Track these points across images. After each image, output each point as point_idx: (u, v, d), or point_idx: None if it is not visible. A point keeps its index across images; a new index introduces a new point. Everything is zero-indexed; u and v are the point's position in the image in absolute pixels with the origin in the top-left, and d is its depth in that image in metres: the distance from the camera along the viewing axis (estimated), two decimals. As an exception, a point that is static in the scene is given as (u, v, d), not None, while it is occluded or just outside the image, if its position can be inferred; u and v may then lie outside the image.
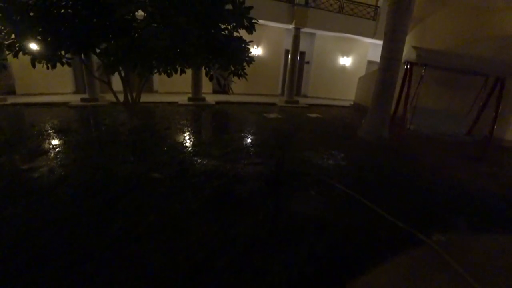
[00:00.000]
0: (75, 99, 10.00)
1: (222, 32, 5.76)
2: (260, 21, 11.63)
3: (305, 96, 14.28)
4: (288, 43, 11.52)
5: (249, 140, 6.02)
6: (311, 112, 10.02)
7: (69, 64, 5.47)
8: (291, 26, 10.78)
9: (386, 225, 2.98)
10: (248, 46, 6.24)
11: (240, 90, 13.25)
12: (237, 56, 5.97)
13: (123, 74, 6.29)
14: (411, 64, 6.46)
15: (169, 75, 6.00)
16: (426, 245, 2.67)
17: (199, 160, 4.60)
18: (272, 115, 8.99)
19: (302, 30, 11.10)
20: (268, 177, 4.07)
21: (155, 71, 5.59)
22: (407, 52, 6.57)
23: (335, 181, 4.00)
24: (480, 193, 4.08)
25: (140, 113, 8.73)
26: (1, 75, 10.17)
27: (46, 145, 5.01)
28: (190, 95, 10.89)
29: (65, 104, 9.40)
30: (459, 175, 4.78)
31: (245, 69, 6.51)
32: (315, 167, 4.55)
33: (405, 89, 6.83)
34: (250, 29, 5.78)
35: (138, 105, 7.47)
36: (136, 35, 4.37)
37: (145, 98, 11.13)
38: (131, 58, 4.17)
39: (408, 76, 6.58)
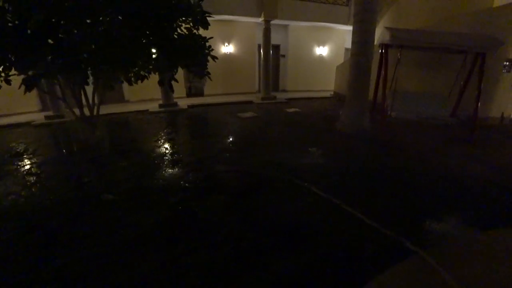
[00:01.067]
0: (40, 117, 9.19)
1: (179, 31, 5.17)
2: (229, 17, 11.14)
3: (284, 90, 13.76)
4: (261, 38, 10.94)
5: (218, 146, 5.45)
6: (289, 107, 9.50)
7: (7, 82, 4.69)
8: (261, 19, 10.21)
9: (371, 234, 2.48)
10: (207, 43, 5.64)
11: (216, 91, 12.65)
12: (194, 55, 5.36)
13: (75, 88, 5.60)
14: (386, 46, 6.00)
15: (130, 83, 5.40)
16: (416, 255, 2.19)
17: (159, 174, 4.04)
18: (248, 114, 8.43)
19: (274, 22, 10.57)
20: (234, 187, 3.53)
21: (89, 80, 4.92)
22: (381, 35, 6.11)
23: (311, 184, 3.49)
24: (474, 181, 3.63)
25: (105, 126, 8.02)
26: None
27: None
28: (161, 102, 10.24)
29: (29, 123, 8.67)
30: (448, 162, 4.34)
31: (206, 68, 5.90)
32: (290, 169, 4.03)
33: (382, 74, 6.38)
34: (204, 24, 5.20)
35: (100, 118, 6.79)
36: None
37: (115, 108, 10.51)
38: (54, 68, 3.51)
39: (384, 59, 6.11)
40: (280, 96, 11.82)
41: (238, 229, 2.63)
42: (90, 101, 6.21)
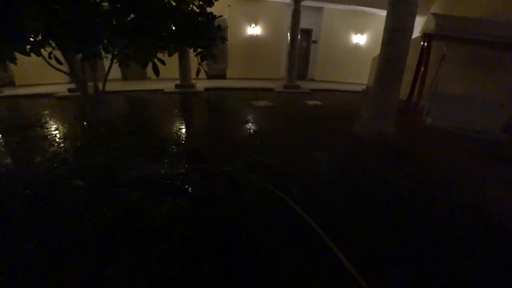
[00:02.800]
0: (64, 89, 9.36)
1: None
2: None
3: (311, 80, 12.71)
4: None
5: (206, 137, 4.92)
6: (311, 99, 8.61)
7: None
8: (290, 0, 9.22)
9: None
10: (214, 22, 4.96)
11: (238, 74, 12.03)
12: (197, 34, 4.73)
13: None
14: (430, 37, 4.91)
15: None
16: None
17: (136, 164, 3.62)
18: (261, 103, 7.73)
19: (306, 4, 9.54)
20: (193, 191, 2.98)
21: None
22: (425, 22, 4.99)
23: (289, 198, 2.81)
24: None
25: (114, 104, 7.89)
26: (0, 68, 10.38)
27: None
28: (177, 82, 9.90)
29: (52, 95, 8.93)
30: (485, 192, 3.37)
31: (212, 49, 5.26)
32: (274, 175, 3.37)
33: (421, 70, 5.30)
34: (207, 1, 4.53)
35: (103, 96, 6.59)
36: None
37: (134, 86, 10.42)
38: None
39: (425, 53, 5.04)
40: (305, 85, 10.87)
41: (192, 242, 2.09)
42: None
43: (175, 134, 5.16)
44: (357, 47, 12.16)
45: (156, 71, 4.73)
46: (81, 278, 1.85)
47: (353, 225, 2.53)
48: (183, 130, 5.39)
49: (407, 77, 5.46)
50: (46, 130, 5.53)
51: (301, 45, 11.98)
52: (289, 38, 9.77)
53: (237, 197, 2.90)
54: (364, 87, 10.86)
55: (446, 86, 5.76)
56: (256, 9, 11.06)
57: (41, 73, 10.23)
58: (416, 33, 5.32)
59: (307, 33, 11.97)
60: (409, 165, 4.06)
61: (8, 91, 9.81)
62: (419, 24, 5.41)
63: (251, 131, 5.37)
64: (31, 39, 2.91)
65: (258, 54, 11.79)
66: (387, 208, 2.87)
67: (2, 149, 4.44)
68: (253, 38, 11.52)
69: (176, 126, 5.74)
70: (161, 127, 5.69)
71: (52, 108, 7.44)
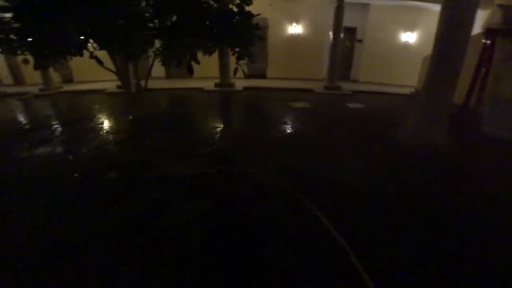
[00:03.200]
0: (113, 86, 10.08)
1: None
2: None
3: (355, 81, 12.06)
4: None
5: (238, 137, 4.86)
6: (352, 101, 8.13)
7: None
8: None
9: None
10: (252, 20, 4.88)
11: (278, 74, 11.88)
12: (234, 33, 4.69)
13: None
14: (494, 33, 4.29)
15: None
16: None
17: (166, 162, 3.70)
18: (300, 104, 7.50)
19: (350, 0, 9.05)
20: (216, 192, 2.90)
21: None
22: (489, 16, 4.38)
23: (313, 204, 2.59)
24: None
25: (155, 100, 8.27)
26: (61, 67, 11.65)
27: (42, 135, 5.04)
28: (217, 81, 10.07)
29: (103, 91, 9.83)
30: None
31: (249, 49, 5.19)
32: (301, 182, 3.16)
33: (481, 72, 4.69)
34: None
35: (143, 93, 6.93)
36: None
37: (177, 83, 10.87)
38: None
39: (488, 51, 4.43)
40: (348, 86, 10.34)
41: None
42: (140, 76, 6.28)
43: (208, 132, 5.20)
44: (406, 46, 11.24)
45: (190, 70, 4.79)
46: (97, 273, 1.88)
47: (381, 242, 2.24)
48: (217, 129, 5.41)
49: (464, 79, 4.83)
50: (93, 124, 5.95)
51: (344, 44, 11.44)
52: (331, 37, 9.35)
53: (261, 203, 2.77)
54: (413, 89, 9.99)
55: (510, 90, 4.98)
56: (298, 8, 10.80)
57: (94, 71, 11.12)
58: (476, 29, 4.68)
59: (351, 31, 11.37)
60: (464, 184, 3.43)
61: (67, 87, 10.98)
62: (480, 18, 4.74)
63: (285, 133, 5.20)
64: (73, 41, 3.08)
65: (298, 53, 11.51)
66: (443, 251, 2.25)
67: (57, 140, 4.87)
68: (294, 37, 11.28)
69: (210, 124, 5.80)
70: (195, 125, 5.81)
71: (101, 103, 8.03)
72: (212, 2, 4.54)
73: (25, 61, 5.31)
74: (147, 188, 3.03)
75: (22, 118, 7.08)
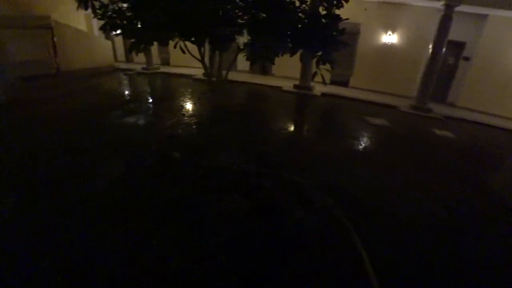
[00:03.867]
0: (200, 72, 11.02)
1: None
2: None
3: (451, 105, 10.43)
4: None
5: (305, 145, 4.70)
6: (441, 128, 7.05)
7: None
8: (441, 3, 7.66)
9: None
10: (338, 25, 4.65)
11: (362, 84, 11.14)
12: (319, 37, 4.55)
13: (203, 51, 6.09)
14: None
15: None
16: None
17: (224, 152, 3.87)
18: (377, 121, 6.87)
19: (461, 9, 7.77)
20: (271, 197, 2.85)
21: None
22: None
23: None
24: None
25: (230, 92, 8.70)
26: (162, 51, 13.46)
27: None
28: (297, 82, 9.99)
29: (191, 76, 10.92)
30: None
31: (331, 54, 4.97)
32: (360, 213, 2.87)
33: None
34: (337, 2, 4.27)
35: (226, 84, 7.40)
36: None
37: (258, 79, 11.24)
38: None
39: None
40: (441, 110, 9.03)
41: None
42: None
43: (274, 132, 5.20)
44: (532, 72, 9.16)
45: (264, 69, 4.86)
46: (135, 237, 2.11)
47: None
48: (283, 131, 5.37)
49: None
50: (175, 104, 6.59)
51: (446, 60, 9.98)
52: (430, 50, 8.26)
53: (301, 216, 2.63)
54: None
55: None
56: (396, 14, 9.83)
57: (187, 57, 12.31)
58: None
59: (458, 46, 9.81)
60: None
61: (163, 69, 12.49)
62: None
63: (352, 149, 4.84)
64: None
65: (389, 65, 10.54)
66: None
67: (143, 113, 5.59)
68: (386, 47, 10.35)
69: (279, 125, 5.79)
70: (264, 123, 5.87)
71: (187, 87, 8.86)
72: (299, 3, 4.50)
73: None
74: (200, 173, 3.20)
75: (123, 91, 8.32)
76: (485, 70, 9.56)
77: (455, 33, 8.88)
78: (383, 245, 2.39)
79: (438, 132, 6.70)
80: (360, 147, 5.00)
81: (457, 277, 2.17)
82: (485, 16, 9.07)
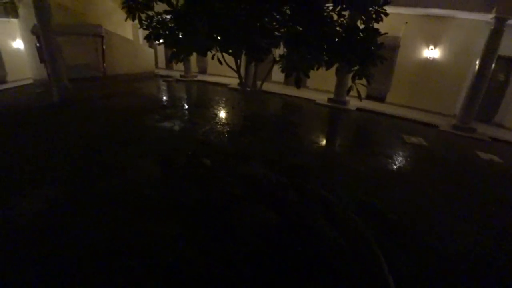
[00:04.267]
0: (235, 82, 11.34)
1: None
2: (440, 11, 8.60)
3: (500, 125, 9.63)
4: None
5: (336, 162, 4.60)
6: (486, 151, 6.51)
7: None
8: (491, 17, 7.16)
9: None
10: (377, 39, 4.54)
11: (400, 100, 10.70)
12: (352, 50, 4.48)
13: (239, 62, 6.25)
14: None
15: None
16: None
17: (254, 161, 3.90)
18: (414, 140, 6.54)
19: (510, 22, 7.21)
20: (298, 212, 2.82)
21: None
22: None
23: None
24: None
25: (264, 103, 8.80)
26: (200, 59, 14.08)
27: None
28: (331, 96, 9.87)
29: (227, 85, 11.24)
30: None
31: (368, 69, 4.85)
32: (389, 234, 2.73)
33: None
34: (377, 18, 4.18)
35: (260, 94, 7.52)
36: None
37: (292, 91, 11.27)
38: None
39: None
40: (486, 131, 8.39)
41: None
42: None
43: (305, 146, 5.17)
44: None
45: (297, 83, 4.86)
46: (160, 238, 2.21)
47: None
48: (314, 145, 5.32)
49: None
50: (209, 112, 6.81)
51: (496, 77, 9.27)
52: (477, 65, 7.74)
53: (329, 236, 2.56)
54: None
55: None
56: (440, 28, 9.37)
57: (223, 67, 12.70)
58: None
59: (509, 62, 9.12)
60: None
61: (200, 77, 12.98)
62: None
63: (385, 168, 4.64)
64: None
65: (429, 81, 10.03)
66: None
67: (179, 119, 5.86)
68: (428, 62, 9.88)
69: (310, 138, 5.75)
70: (296, 135, 5.85)
71: (222, 96, 9.12)
72: (337, 17, 4.47)
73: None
74: (230, 181, 3.26)
75: (162, 96, 8.77)
76: (540, 89, 8.76)
77: (507, 48, 8.27)
78: (411, 273, 2.25)
79: (482, 155, 6.20)
80: (394, 166, 4.79)
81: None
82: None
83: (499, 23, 7.04)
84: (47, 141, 4.14)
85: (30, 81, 9.16)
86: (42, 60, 7.65)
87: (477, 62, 7.78)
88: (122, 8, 4.65)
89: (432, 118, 9.16)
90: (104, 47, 8.88)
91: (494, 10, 6.96)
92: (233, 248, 2.22)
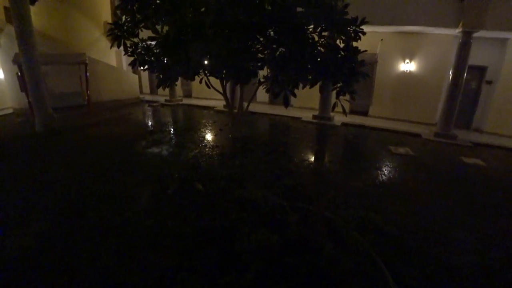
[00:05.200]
0: (221, 104, 11.35)
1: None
2: (414, 28, 9.15)
3: (477, 130, 10.06)
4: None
5: (330, 179, 4.62)
6: (470, 156, 6.75)
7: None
8: (457, 31, 7.68)
9: None
10: (358, 57, 4.74)
11: (382, 113, 11.05)
12: (336, 69, 4.65)
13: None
14: None
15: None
16: None
17: (249, 184, 3.85)
18: (401, 150, 6.71)
19: (481, 35, 7.72)
20: (300, 233, 2.77)
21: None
22: None
23: None
24: None
25: (252, 124, 8.87)
26: (184, 83, 14.16)
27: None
28: (316, 113, 10.07)
29: (212, 108, 11.24)
30: None
31: (351, 85, 5.02)
32: (393, 251, 2.71)
33: None
34: (355, 37, 4.39)
35: (242, 116, 7.55)
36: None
37: (278, 110, 11.44)
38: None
39: None
40: (467, 136, 8.74)
41: None
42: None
43: (296, 164, 5.18)
44: None
45: (285, 102, 4.93)
46: (161, 270, 2.09)
47: None
48: (304, 162, 5.35)
49: None
50: (197, 135, 6.77)
51: (469, 85, 9.80)
52: (451, 76, 8.17)
53: (331, 256, 2.52)
54: None
55: None
56: (413, 43, 9.91)
57: (208, 90, 12.81)
58: None
59: (479, 71, 9.67)
60: None
61: (185, 100, 13.00)
62: None
63: (377, 181, 4.70)
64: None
65: (409, 93, 10.46)
66: None
67: (167, 144, 5.77)
68: (405, 75, 10.35)
69: (300, 156, 5.78)
70: (285, 154, 5.86)
71: (209, 119, 9.11)
72: (317, 38, 4.66)
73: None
74: (226, 206, 3.20)
75: (148, 121, 8.68)
76: (509, 93, 9.29)
77: (476, 58, 8.84)
78: (420, 286, 2.24)
79: (466, 160, 6.42)
80: (385, 178, 4.86)
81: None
82: (505, 40, 9.01)
83: (466, 36, 7.56)
84: (33, 173, 3.97)
85: (10, 111, 8.92)
86: (22, 89, 7.49)
87: (451, 72, 8.22)
88: (108, 36, 4.65)
89: (414, 128, 9.48)
90: (87, 74, 8.81)
91: (460, 24, 7.48)
92: (237, 276, 2.14)
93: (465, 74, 8.11)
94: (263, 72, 5.42)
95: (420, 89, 10.29)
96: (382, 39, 10.13)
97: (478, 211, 3.85)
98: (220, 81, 5.75)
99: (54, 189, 3.43)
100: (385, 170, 5.24)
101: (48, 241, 2.44)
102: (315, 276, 2.25)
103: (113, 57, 12.49)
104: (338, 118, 9.97)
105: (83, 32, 10.39)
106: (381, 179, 4.76)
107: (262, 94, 10.30)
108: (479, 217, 3.64)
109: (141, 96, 13.25)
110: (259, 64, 4.66)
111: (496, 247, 2.95)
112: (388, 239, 2.86)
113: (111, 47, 5.30)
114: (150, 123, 8.36)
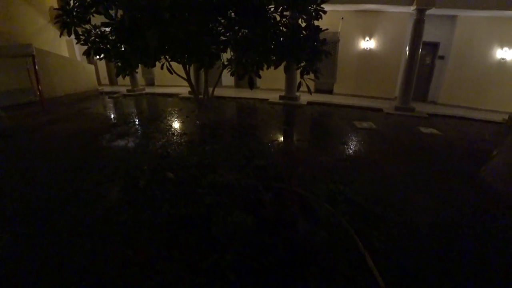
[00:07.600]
0: (186, 91, 11.04)
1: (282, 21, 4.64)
2: (372, 6, 9.45)
3: (433, 102, 10.83)
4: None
5: (299, 156, 4.75)
6: (426, 126, 7.29)
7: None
8: (412, 8, 8.07)
9: None
10: (319, 36, 4.80)
11: (346, 91, 11.43)
12: (299, 48, 4.69)
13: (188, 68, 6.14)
14: None
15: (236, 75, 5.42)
16: None
17: (220, 170, 3.83)
18: (365, 125, 7.05)
19: (433, 12, 8.17)
20: (274, 211, 2.84)
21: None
22: None
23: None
24: None
25: (218, 109, 8.75)
26: (146, 71, 13.45)
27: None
28: (283, 93, 10.15)
29: (177, 95, 10.83)
30: None
31: (314, 64, 5.10)
32: (363, 218, 2.89)
33: None
34: (316, 16, 4.44)
35: (210, 101, 7.40)
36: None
37: (244, 93, 11.36)
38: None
39: None
40: (423, 108, 9.36)
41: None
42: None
43: (265, 145, 5.24)
44: (501, 64, 9.62)
45: (250, 84, 4.90)
46: (140, 262, 2.07)
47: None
48: (274, 143, 5.42)
49: None
50: (164, 124, 6.57)
51: (423, 61, 10.44)
52: (407, 52, 8.62)
53: (306, 230, 2.65)
54: (506, 117, 8.49)
55: None
56: (372, 21, 10.25)
57: (171, 77, 12.35)
58: None
59: (432, 47, 10.30)
60: None
61: (148, 89, 12.47)
62: None
63: (344, 155, 4.92)
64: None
65: (370, 70, 10.89)
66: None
67: (132, 135, 5.52)
68: (366, 53, 10.72)
69: (269, 137, 5.85)
70: (254, 136, 5.90)
71: (174, 106, 8.85)
72: (279, 18, 4.64)
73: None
74: (200, 192, 3.18)
75: (110, 114, 8.24)
76: (460, 66, 10.02)
77: (429, 35, 9.39)
78: (387, 247, 2.43)
79: (423, 129, 6.92)
80: (351, 151, 5.11)
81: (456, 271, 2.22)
82: (454, 17, 9.60)
83: (420, 13, 7.96)
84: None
85: None
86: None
87: (407, 48, 8.66)
88: (55, 23, 4.22)
89: (376, 103, 9.96)
90: (36, 67, 8.05)
91: (414, 2, 7.84)
92: (217, 257, 2.17)
93: (420, 50, 8.58)
94: (226, 55, 5.33)
95: (380, 65, 10.75)
96: (342, 18, 10.31)
97: (435, 175, 4.21)
98: (182, 66, 5.56)
99: (11, 198, 3.16)
100: (351, 145, 5.49)
101: (11, 253, 2.27)
102: (291, 250, 2.35)
103: (65, 47, 11.49)
104: (304, 98, 10.15)
105: (26, 20, 9.37)
106: (347, 153, 4.99)
107: (227, 77, 10.16)
108: (436, 181, 3.99)
109: (100, 87, 12.45)
110: (222, 46, 4.57)
111: (449, 205, 3.27)
112: (357, 208, 3.04)
113: (60, 36, 4.88)
114: (112, 116, 7.93)
